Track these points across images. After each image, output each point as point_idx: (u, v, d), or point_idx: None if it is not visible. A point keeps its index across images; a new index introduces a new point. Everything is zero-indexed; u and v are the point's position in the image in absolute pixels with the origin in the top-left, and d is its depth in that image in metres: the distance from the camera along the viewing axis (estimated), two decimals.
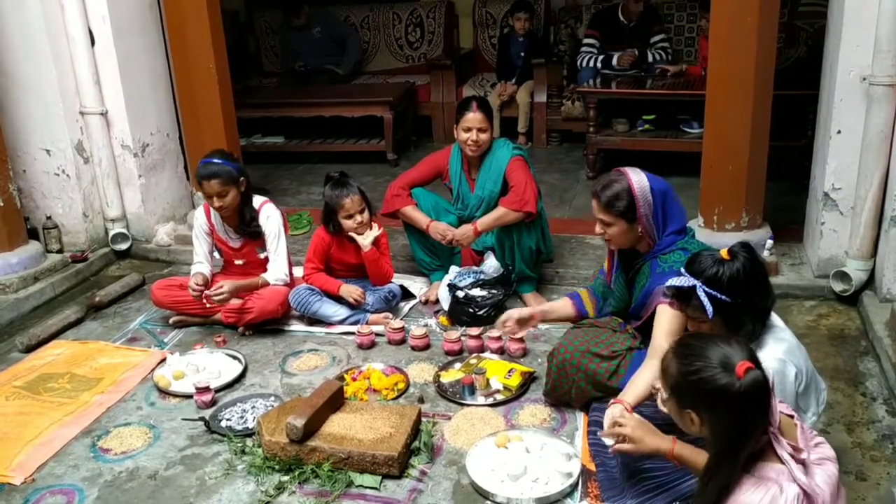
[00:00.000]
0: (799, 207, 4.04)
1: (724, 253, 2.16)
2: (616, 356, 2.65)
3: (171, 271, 4.34)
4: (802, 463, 1.65)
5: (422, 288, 3.90)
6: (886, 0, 3.11)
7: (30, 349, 3.50)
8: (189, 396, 3.01)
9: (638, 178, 2.58)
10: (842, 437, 2.63)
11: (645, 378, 2.36)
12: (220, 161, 3.46)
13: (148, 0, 4.46)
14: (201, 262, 3.64)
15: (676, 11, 6.13)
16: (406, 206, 3.76)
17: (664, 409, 1.83)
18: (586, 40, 5.95)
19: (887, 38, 3.16)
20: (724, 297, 2.10)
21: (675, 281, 2.20)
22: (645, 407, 2.32)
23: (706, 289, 2.11)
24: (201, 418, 2.85)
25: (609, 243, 2.69)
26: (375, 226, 3.59)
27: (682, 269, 2.21)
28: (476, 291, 3.53)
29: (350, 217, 3.52)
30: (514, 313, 2.93)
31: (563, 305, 3.03)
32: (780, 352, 2.14)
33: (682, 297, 2.19)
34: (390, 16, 7.08)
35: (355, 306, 3.57)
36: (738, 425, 1.62)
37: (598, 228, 2.66)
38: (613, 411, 2.28)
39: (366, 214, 3.55)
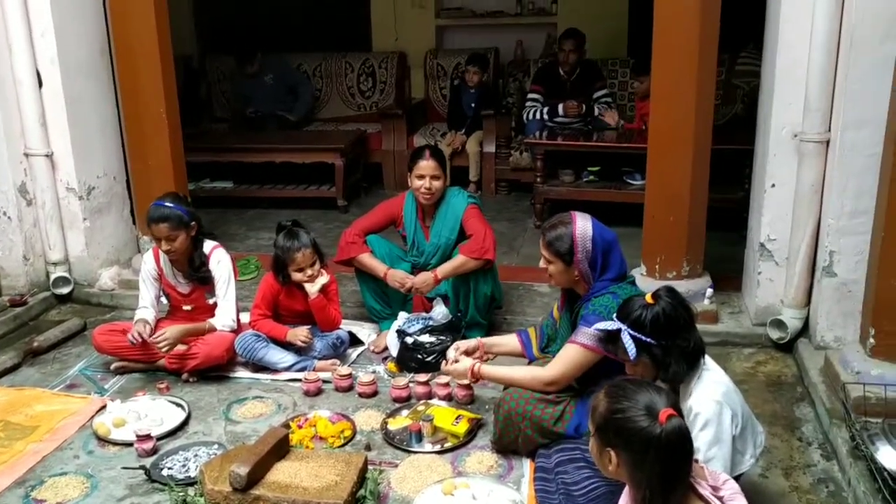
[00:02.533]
0: (737, 257, 4.18)
1: (648, 297, 2.26)
2: (560, 401, 2.69)
3: (114, 316, 4.25)
4: (721, 500, 1.70)
5: (370, 334, 3.90)
6: (816, 60, 3.28)
7: None
8: (129, 444, 2.94)
9: (583, 225, 2.67)
10: (779, 482, 2.70)
11: (512, 371, 2.83)
12: (171, 205, 3.43)
13: (99, 44, 4.45)
14: (146, 308, 3.58)
15: (620, 68, 6.35)
16: (361, 253, 3.77)
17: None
18: (530, 95, 6.13)
19: (817, 96, 3.32)
20: (647, 339, 2.20)
21: (602, 325, 2.33)
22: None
23: (630, 331, 2.21)
24: (142, 467, 2.79)
25: (550, 279, 2.78)
26: (324, 273, 3.59)
27: (614, 315, 2.31)
28: (425, 338, 3.54)
29: (300, 270, 3.52)
30: (461, 344, 3.02)
31: (508, 340, 3.11)
32: (717, 394, 2.21)
33: (611, 341, 2.29)
34: (343, 65, 7.17)
35: (302, 352, 3.55)
36: (662, 470, 1.66)
37: (541, 263, 2.77)
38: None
39: (316, 266, 3.55)
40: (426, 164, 3.69)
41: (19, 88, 4.16)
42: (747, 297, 4.00)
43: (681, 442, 1.67)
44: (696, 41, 3.57)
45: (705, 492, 1.70)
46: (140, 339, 3.40)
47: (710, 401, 2.18)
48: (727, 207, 4.76)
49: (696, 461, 1.86)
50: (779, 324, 3.64)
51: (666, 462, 1.67)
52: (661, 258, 3.87)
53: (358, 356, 3.74)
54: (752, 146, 3.98)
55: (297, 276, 3.52)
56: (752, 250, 3.90)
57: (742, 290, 4.12)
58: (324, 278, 3.57)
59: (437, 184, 3.70)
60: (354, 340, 3.79)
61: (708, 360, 2.34)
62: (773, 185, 3.62)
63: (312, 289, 3.54)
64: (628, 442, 1.68)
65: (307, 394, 3.34)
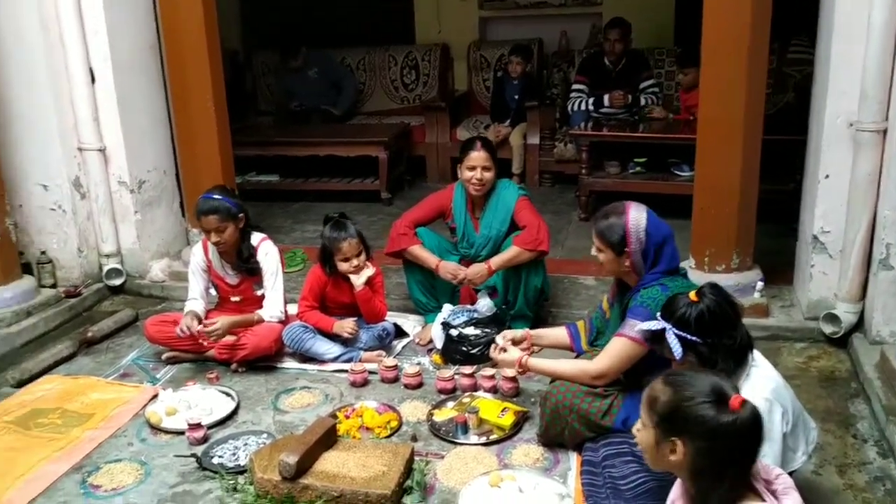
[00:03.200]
0: (788, 250, 4.09)
1: (692, 295, 2.22)
2: (608, 395, 2.66)
3: (165, 307, 4.34)
4: (774, 494, 1.67)
5: (415, 326, 3.91)
6: (872, 47, 3.19)
7: (21, 384, 3.48)
8: (181, 433, 3.00)
9: (637, 216, 2.63)
10: (834, 479, 2.64)
11: (559, 364, 2.78)
12: (219, 197, 3.49)
13: (149, 40, 4.53)
14: (196, 300, 3.65)
15: (667, 57, 6.26)
16: (413, 245, 3.77)
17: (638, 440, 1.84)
18: (575, 85, 6.07)
19: (873, 84, 3.23)
20: (692, 337, 2.16)
21: (646, 325, 2.30)
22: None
23: (675, 330, 2.17)
24: (193, 455, 2.84)
25: (601, 267, 2.76)
26: (370, 265, 3.61)
27: (658, 314, 2.28)
28: (469, 330, 3.54)
29: (346, 260, 3.54)
30: (508, 333, 3.02)
31: (556, 332, 3.09)
32: (766, 391, 2.16)
33: (656, 340, 2.26)
34: (386, 58, 7.20)
35: (349, 344, 3.58)
36: (733, 458, 1.63)
37: (593, 250, 2.75)
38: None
39: (362, 257, 3.57)
40: (477, 155, 3.68)
41: (73, 84, 4.26)
42: (799, 290, 3.91)
43: (756, 427, 1.65)
44: (747, 29, 3.50)
45: (759, 485, 1.67)
46: (188, 332, 3.46)
47: (759, 398, 2.13)
48: (778, 199, 4.66)
49: None
50: (832, 318, 3.56)
51: (738, 448, 1.64)
52: (709, 251, 3.81)
53: (403, 348, 3.76)
54: (804, 136, 3.89)
55: (342, 266, 3.55)
56: (804, 243, 3.82)
57: (793, 283, 4.04)
58: (369, 270, 3.59)
59: (488, 175, 3.69)
60: (399, 332, 3.81)
61: (757, 355, 2.29)
62: (827, 176, 3.53)
63: (358, 280, 3.56)
64: (699, 430, 1.64)
65: (353, 384, 3.37)
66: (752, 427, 1.64)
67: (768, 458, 2.06)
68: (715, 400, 1.65)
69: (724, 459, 1.64)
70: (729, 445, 1.63)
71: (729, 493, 1.64)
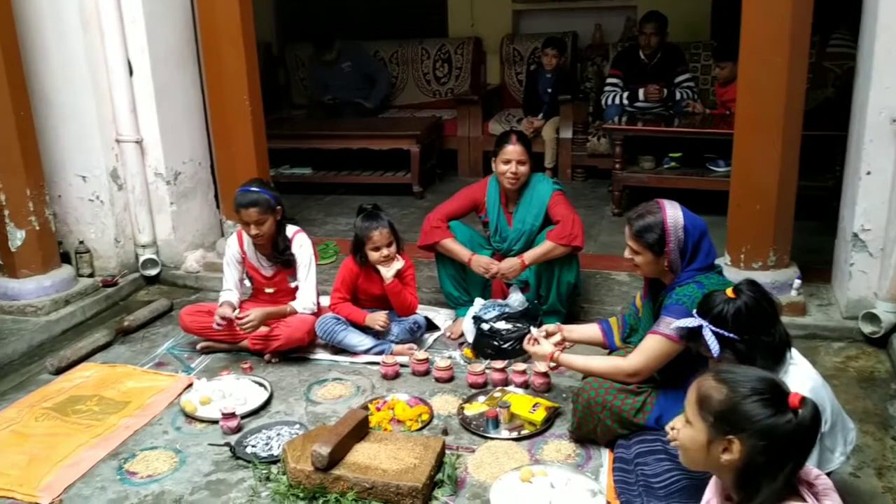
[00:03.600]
0: (827, 248, 4.02)
1: (729, 291, 2.19)
2: (641, 392, 2.64)
3: (199, 297, 4.39)
4: (815, 496, 1.64)
5: (446, 320, 3.91)
6: None
7: (59, 371, 3.55)
8: (215, 422, 3.04)
9: (673, 214, 2.59)
10: (872, 482, 2.59)
11: (592, 360, 2.77)
12: (258, 189, 3.52)
13: (186, 33, 4.59)
14: (230, 290, 3.69)
15: (703, 51, 6.17)
16: (445, 238, 3.77)
17: (675, 439, 1.80)
18: (609, 79, 6.01)
19: None
20: (729, 334, 2.13)
21: (682, 322, 2.27)
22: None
23: (712, 328, 2.15)
24: (227, 444, 2.87)
25: (636, 269, 2.72)
26: (399, 258, 3.62)
27: (694, 311, 2.25)
28: (501, 324, 3.53)
29: (377, 249, 3.55)
30: (541, 329, 2.99)
31: (588, 328, 3.06)
32: (804, 390, 2.11)
33: (693, 338, 2.23)
34: (419, 51, 7.20)
35: (380, 336, 3.59)
36: (788, 455, 1.61)
37: (626, 253, 2.69)
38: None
39: (392, 248, 3.58)
40: (513, 149, 3.66)
41: (111, 77, 4.32)
42: (837, 289, 3.85)
43: (815, 424, 1.63)
44: (787, 20, 3.43)
45: (800, 486, 1.64)
46: (225, 323, 3.49)
47: None
48: (816, 196, 4.58)
49: None
50: (872, 317, 3.49)
51: (796, 446, 1.62)
52: (746, 248, 3.76)
53: (434, 341, 3.76)
54: (844, 132, 3.81)
55: (373, 255, 3.56)
56: (843, 240, 3.75)
57: (832, 281, 3.97)
58: (399, 263, 3.60)
59: (522, 169, 3.67)
60: (430, 326, 3.81)
61: (795, 353, 2.26)
62: (869, 173, 3.46)
63: (388, 273, 3.57)
64: (758, 428, 1.60)
65: (385, 377, 3.38)
66: (811, 424, 1.62)
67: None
68: (773, 397, 1.62)
69: (780, 458, 1.61)
70: (787, 443, 1.61)
71: (780, 491, 1.61)
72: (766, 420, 1.60)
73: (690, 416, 1.72)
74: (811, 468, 1.76)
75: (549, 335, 2.96)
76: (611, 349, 2.95)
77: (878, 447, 2.79)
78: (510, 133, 3.77)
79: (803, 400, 1.62)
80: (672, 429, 1.80)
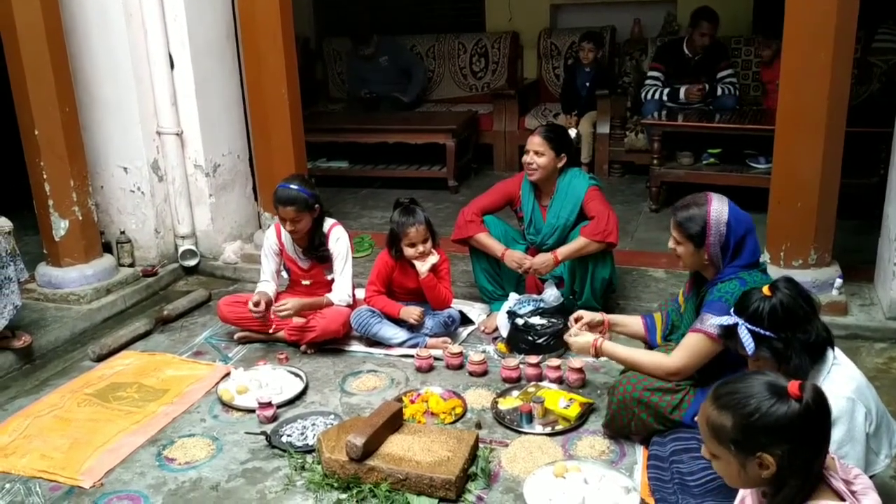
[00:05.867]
0: (869, 247, 3.94)
1: (765, 289, 2.16)
2: (679, 390, 2.61)
3: (237, 288, 4.45)
4: (853, 494, 1.61)
5: (480, 315, 3.91)
6: None
7: (101, 358, 3.63)
8: (251, 411, 3.08)
9: (719, 208, 2.56)
10: None
11: (635, 353, 2.74)
12: (297, 188, 3.53)
13: (225, 27, 4.64)
14: (267, 281, 3.73)
15: (745, 46, 6.08)
16: (479, 232, 3.77)
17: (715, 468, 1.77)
18: (651, 73, 5.94)
19: None
20: (765, 332, 2.10)
21: (718, 320, 2.25)
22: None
23: (748, 325, 2.12)
24: (263, 433, 2.91)
25: (678, 260, 2.69)
26: (435, 253, 3.63)
27: (731, 309, 2.22)
28: (535, 320, 3.53)
29: (412, 245, 3.56)
30: (586, 314, 2.97)
31: (633, 321, 3.03)
32: (848, 391, 2.09)
33: (729, 336, 2.20)
34: (456, 46, 7.18)
35: (415, 329, 3.60)
36: (815, 445, 1.60)
37: (670, 243, 2.68)
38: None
39: (428, 244, 3.59)
40: (531, 140, 3.72)
41: (153, 70, 4.40)
42: (880, 288, 3.77)
43: (824, 404, 1.61)
44: (832, 15, 3.36)
45: (838, 484, 1.61)
46: (261, 311, 3.54)
47: (841, 397, 2.06)
48: (859, 194, 4.49)
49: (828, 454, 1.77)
50: None
51: (817, 432, 1.61)
52: (786, 245, 3.70)
53: (468, 335, 3.77)
54: (890, 128, 3.73)
55: (408, 251, 3.57)
56: (887, 239, 3.67)
57: (874, 281, 3.89)
58: (434, 257, 3.60)
59: (538, 160, 3.67)
60: (464, 320, 3.82)
61: (839, 353, 2.21)
62: None
63: (423, 268, 3.58)
64: (779, 434, 1.58)
65: (419, 370, 3.40)
66: (821, 406, 1.60)
67: (850, 459, 2.00)
68: (776, 397, 1.60)
69: (809, 451, 1.60)
70: (809, 434, 1.59)
71: (808, 483, 1.60)
72: (782, 423, 1.58)
73: (713, 449, 1.69)
74: (850, 466, 1.73)
75: (592, 326, 2.95)
76: (652, 345, 2.92)
77: None
78: (540, 125, 3.83)
79: (802, 386, 1.59)
80: (712, 459, 1.76)
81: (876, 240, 3.86)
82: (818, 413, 1.60)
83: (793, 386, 1.60)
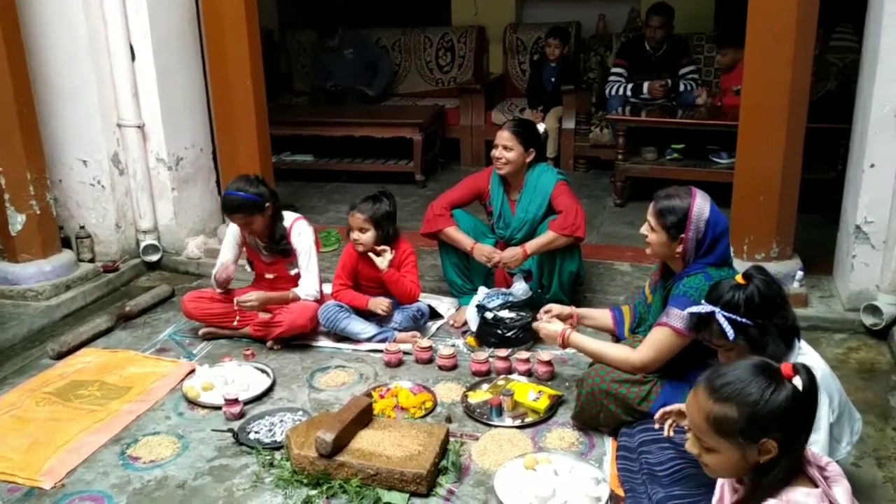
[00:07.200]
0: (828, 240, 4.03)
1: (738, 278, 2.20)
2: (647, 382, 2.64)
3: (200, 284, 4.38)
4: (826, 480, 1.64)
5: (449, 309, 3.91)
6: None
7: (60, 356, 3.54)
8: (217, 408, 3.04)
9: (701, 204, 2.57)
10: (873, 472, 2.60)
11: (603, 346, 2.77)
12: (242, 194, 3.46)
13: (188, 18, 4.56)
14: (224, 264, 3.69)
15: (707, 43, 6.16)
16: (448, 226, 3.77)
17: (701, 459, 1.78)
18: (614, 69, 6.00)
19: None
20: (742, 319, 2.13)
21: (693, 309, 2.26)
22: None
23: (724, 313, 2.15)
24: (230, 430, 2.87)
25: (648, 246, 2.69)
26: (388, 249, 3.58)
27: (703, 300, 2.25)
28: (504, 313, 3.53)
29: (351, 231, 3.57)
30: (555, 307, 2.98)
31: (602, 314, 3.06)
32: None
33: (704, 325, 2.22)
34: (422, 39, 7.16)
35: (383, 323, 3.59)
36: (809, 421, 1.64)
37: (643, 229, 2.68)
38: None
39: (369, 234, 3.55)
40: (500, 134, 3.73)
41: (113, 61, 4.30)
42: (839, 281, 3.85)
43: (815, 386, 1.65)
44: (793, 13, 3.43)
45: (813, 471, 1.64)
46: (223, 290, 3.54)
47: None
48: (818, 188, 4.58)
49: None
50: (873, 309, 3.50)
51: (807, 412, 1.64)
52: (749, 239, 3.76)
53: (437, 329, 3.76)
54: (846, 124, 3.81)
55: (351, 235, 3.58)
56: (845, 233, 3.75)
57: (833, 273, 3.98)
58: (388, 255, 3.57)
59: (507, 154, 3.69)
60: (433, 314, 3.81)
61: (803, 343, 2.26)
62: (872, 166, 3.47)
63: (382, 264, 3.56)
64: (784, 418, 1.59)
65: (388, 364, 3.38)
66: (811, 386, 1.63)
67: (815, 446, 2.03)
68: (774, 381, 1.61)
69: (805, 430, 1.64)
70: (807, 413, 1.64)
71: (790, 468, 1.63)
72: (783, 407, 1.59)
73: (712, 444, 1.67)
74: (820, 455, 1.76)
75: (561, 318, 2.96)
76: (620, 338, 2.95)
77: (879, 438, 2.80)
78: (508, 120, 3.82)
79: (794, 367, 1.62)
80: (701, 455, 1.74)
81: (835, 233, 3.95)
82: (810, 395, 1.63)
83: (786, 367, 1.63)
